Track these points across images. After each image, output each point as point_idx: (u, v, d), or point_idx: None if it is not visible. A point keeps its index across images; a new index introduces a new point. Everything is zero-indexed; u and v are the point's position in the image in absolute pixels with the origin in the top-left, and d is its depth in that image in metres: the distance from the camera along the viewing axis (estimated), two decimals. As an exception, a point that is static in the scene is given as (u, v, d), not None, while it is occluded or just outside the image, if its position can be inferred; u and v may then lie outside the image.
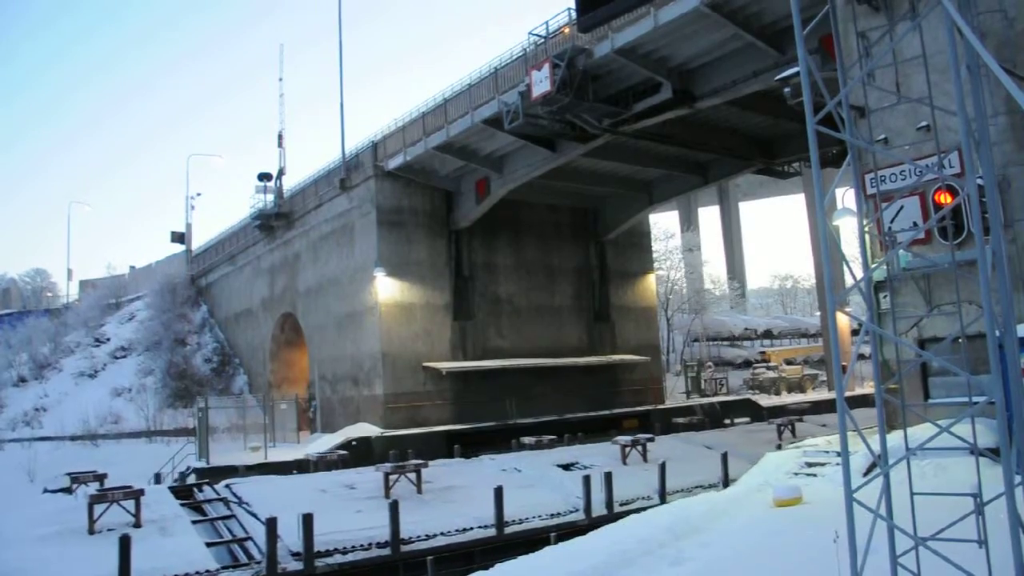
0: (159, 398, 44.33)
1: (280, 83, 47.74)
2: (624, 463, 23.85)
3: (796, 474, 15.26)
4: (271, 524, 15.64)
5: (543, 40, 26.05)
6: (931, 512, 6.17)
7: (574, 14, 23.29)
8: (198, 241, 60.16)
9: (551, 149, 29.57)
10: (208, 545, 16.38)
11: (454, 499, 19.88)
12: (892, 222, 14.28)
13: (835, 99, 6.29)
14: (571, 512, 19.82)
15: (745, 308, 76.94)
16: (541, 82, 24.13)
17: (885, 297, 14.72)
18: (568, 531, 18.06)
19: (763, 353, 58.75)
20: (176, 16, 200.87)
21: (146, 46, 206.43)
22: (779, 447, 23.71)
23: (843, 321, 41.32)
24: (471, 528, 18.28)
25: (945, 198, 13.57)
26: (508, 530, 18.40)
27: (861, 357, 41.77)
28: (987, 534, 5.64)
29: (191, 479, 25.72)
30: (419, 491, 20.11)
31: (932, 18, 10.68)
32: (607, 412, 36.02)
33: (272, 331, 42.96)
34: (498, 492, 18.44)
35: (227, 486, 19.89)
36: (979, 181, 5.94)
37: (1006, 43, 13.86)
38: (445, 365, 32.88)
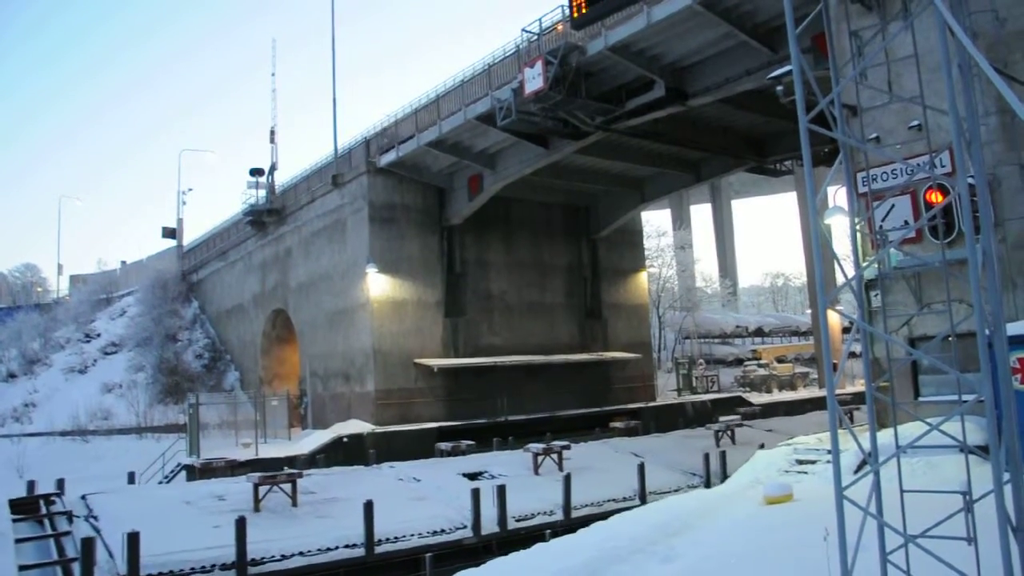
0: (150, 394, 44.11)
1: (272, 78, 47.54)
2: (536, 473, 22.59)
3: (787, 472, 15.32)
4: (87, 545, 14.15)
5: (536, 37, 26.01)
6: (921, 510, 6.20)
7: (567, 11, 23.28)
8: (190, 237, 59.92)
9: (544, 146, 29.55)
10: (23, 568, 14.50)
11: (331, 513, 18.37)
12: (883, 221, 14.34)
13: (827, 98, 6.30)
14: (458, 529, 18.25)
15: (737, 306, 77.11)
16: (534, 79, 24.11)
17: (876, 295, 14.77)
18: (449, 551, 17.17)
19: (754, 351, 58.88)
20: (170, 14, 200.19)
21: (140, 44, 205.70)
22: (706, 456, 22.81)
23: (834, 319, 41.48)
24: (336, 547, 16.65)
25: (936, 197, 13.62)
26: (379, 549, 16.88)
27: (852, 355, 41.93)
28: (976, 532, 5.66)
29: (181, 476, 25.66)
30: (294, 503, 18.66)
31: (924, 18, 10.71)
32: (598, 409, 36.05)
33: (263, 327, 42.82)
34: (368, 507, 16.81)
35: (83, 498, 18.44)
36: (970, 180, 5.96)
37: (997, 43, 13.92)
38: (436, 362, 32.84)
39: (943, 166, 13.73)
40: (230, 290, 48.29)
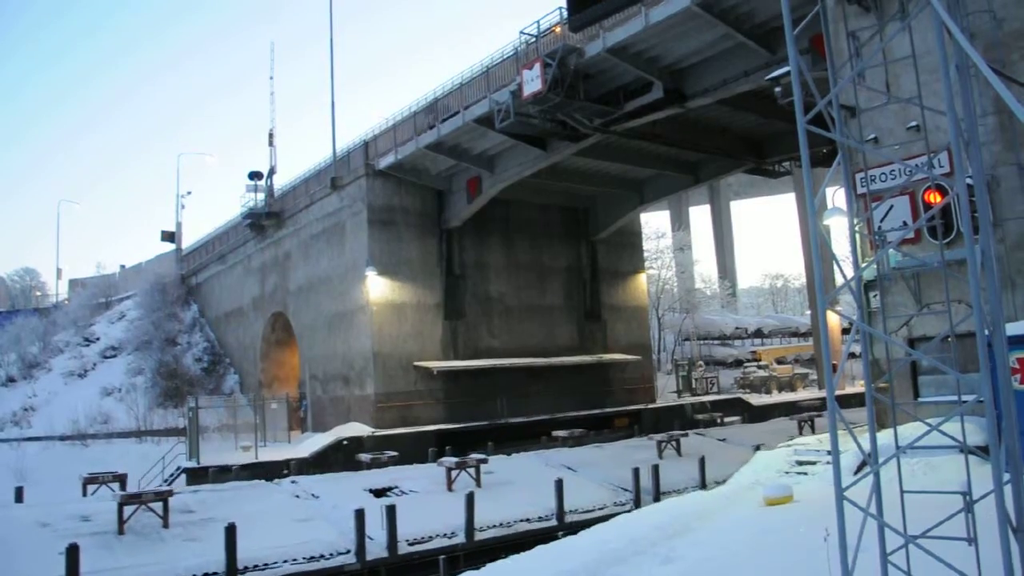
0: (149, 398, 44.04)
1: (271, 82, 47.62)
2: (450, 489, 20.80)
3: (787, 473, 15.32)
4: None
5: (534, 39, 26.04)
6: (921, 510, 6.19)
7: (565, 13, 23.30)
8: (188, 240, 59.91)
9: (542, 148, 29.56)
10: None
11: (202, 536, 16.68)
12: (882, 221, 14.35)
13: (825, 99, 6.30)
14: (341, 554, 16.57)
15: (736, 307, 77.14)
16: (532, 81, 24.12)
17: (875, 296, 14.78)
18: None
19: (754, 352, 58.90)
20: (168, 18, 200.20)
21: (139, 48, 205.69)
22: (635, 471, 21.12)
23: (833, 320, 41.52)
24: None
25: (935, 197, 13.63)
26: None
27: (852, 356, 41.94)
28: (976, 532, 5.66)
29: (181, 479, 25.64)
30: (165, 525, 16.96)
31: (922, 18, 10.73)
32: (598, 411, 36.07)
33: (263, 330, 42.80)
34: (230, 531, 15.14)
35: None
36: (968, 180, 5.96)
37: (995, 43, 13.93)
38: (436, 364, 32.84)
39: (941, 166, 13.74)
40: (229, 293, 48.28)
